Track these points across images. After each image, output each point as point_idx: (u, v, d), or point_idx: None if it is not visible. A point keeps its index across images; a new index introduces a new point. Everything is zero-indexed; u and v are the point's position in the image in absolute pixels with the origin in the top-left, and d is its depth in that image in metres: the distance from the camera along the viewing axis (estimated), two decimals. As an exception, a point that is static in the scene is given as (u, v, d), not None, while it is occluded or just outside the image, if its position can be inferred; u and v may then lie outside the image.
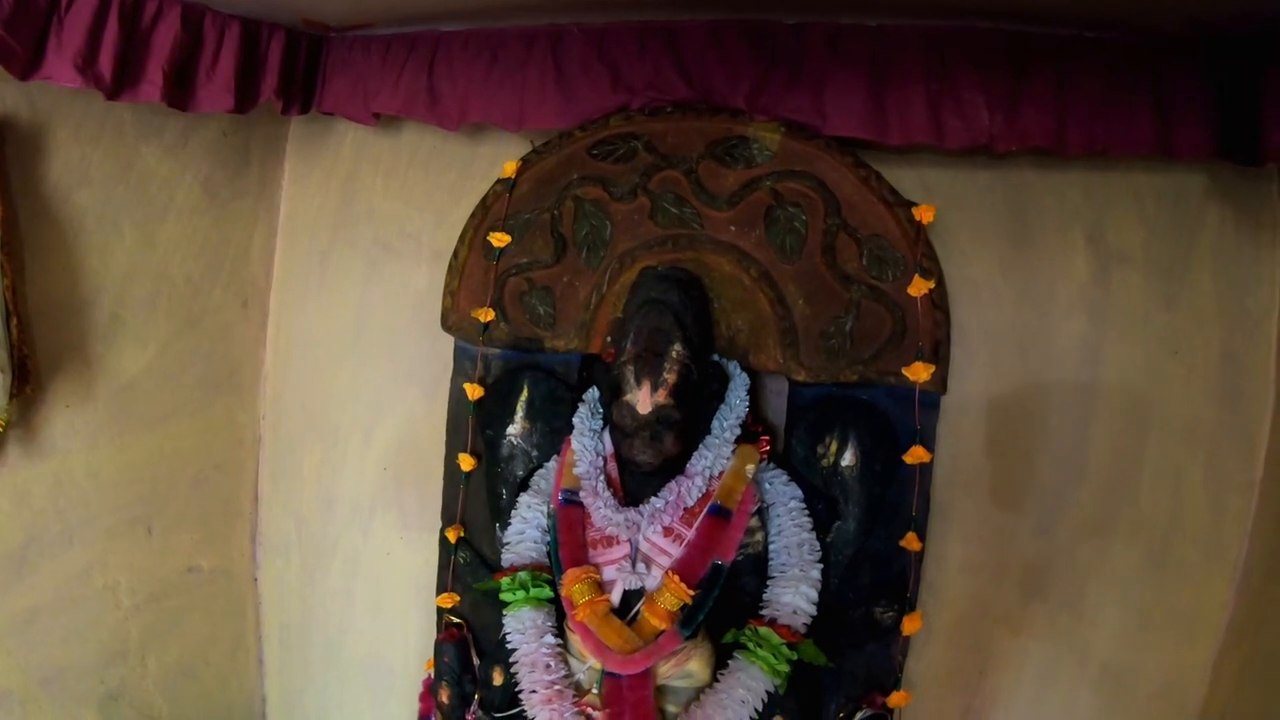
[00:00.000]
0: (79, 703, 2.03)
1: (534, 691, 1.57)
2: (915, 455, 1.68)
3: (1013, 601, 1.94)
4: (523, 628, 1.61)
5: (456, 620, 1.86)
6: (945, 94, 1.63)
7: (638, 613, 1.54)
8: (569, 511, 1.61)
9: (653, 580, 1.55)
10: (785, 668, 1.53)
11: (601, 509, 1.56)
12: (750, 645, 1.53)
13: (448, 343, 2.04)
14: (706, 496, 1.56)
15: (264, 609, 2.47)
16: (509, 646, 1.63)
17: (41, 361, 1.86)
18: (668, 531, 1.55)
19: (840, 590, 1.67)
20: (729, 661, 1.56)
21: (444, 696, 1.84)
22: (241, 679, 2.51)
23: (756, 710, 1.53)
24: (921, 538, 1.70)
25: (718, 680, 1.55)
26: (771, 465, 1.67)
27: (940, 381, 1.69)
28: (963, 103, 1.64)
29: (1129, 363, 1.88)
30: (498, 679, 1.71)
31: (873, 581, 1.70)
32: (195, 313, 2.20)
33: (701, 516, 1.54)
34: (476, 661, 1.83)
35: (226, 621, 2.43)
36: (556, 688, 1.56)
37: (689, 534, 1.54)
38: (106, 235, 1.96)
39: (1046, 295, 1.89)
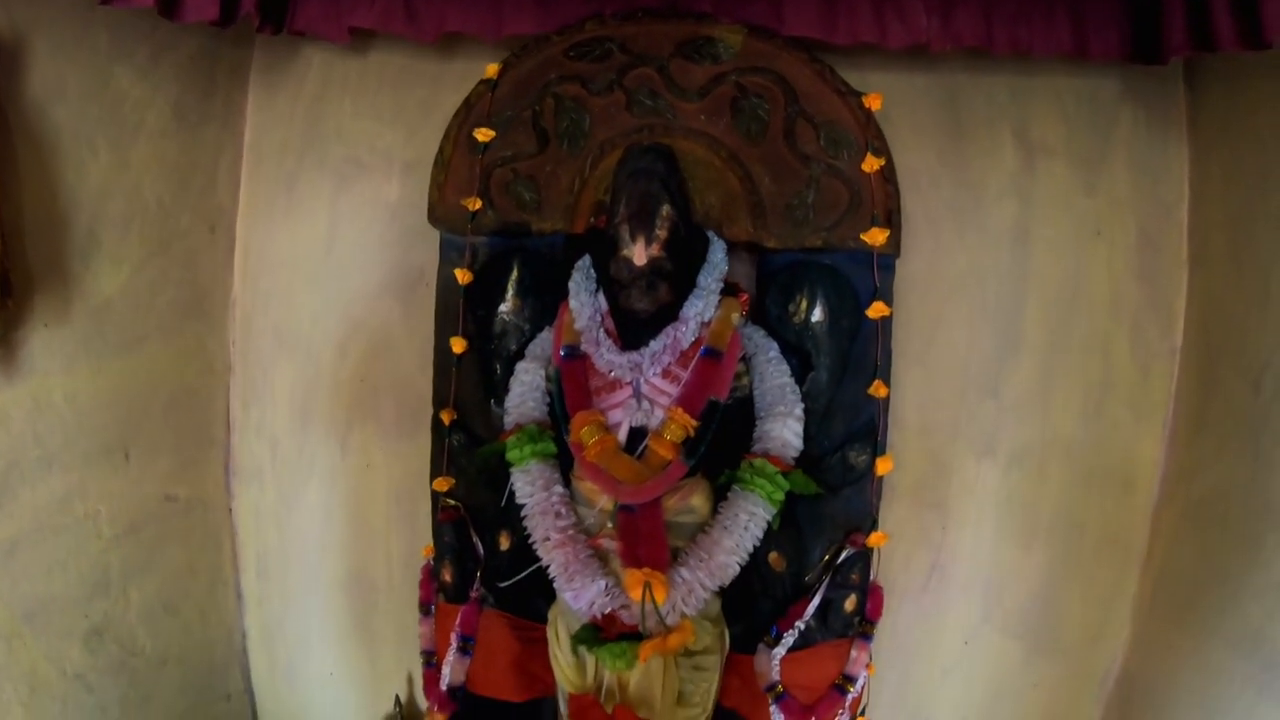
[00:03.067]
0: (64, 638, 1.98)
1: (547, 539, 1.64)
2: (877, 310, 1.84)
3: (967, 461, 2.11)
4: (531, 479, 1.69)
5: (453, 502, 1.90)
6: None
7: (644, 448, 1.64)
8: (571, 364, 1.70)
9: (655, 420, 1.65)
10: (781, 496, 1.65)
11: (605, 355, 1.67)
12: (746, 477, 1.65)
13: (423, 250, 2.11)
14: (698, 343, 1.68)
15: (240, 540, 2.44)
16: (519, 500, 1.70)
17: (19, 278, 1.84)
18: (666, 374, 1.66)
19: (817, 437, 1.80)
20: (728, 494, 1.67)
21: (447, 576, 1.89)
22: (221, 613, 2.47)
23: (758, 536, 1.64)
24: (886, 385, 1.85)
25: (718, 514, 1.66)
26: (749, 323, 1.80)
27: (895, 245, 1.86)
28: (903, 7, 1.83)
29: (1056, 242, 2.09)
30: (504, 543, 1.78)
31: (846, 429, 1.84)
32: (166, 236, 2.20)
33: (696, 358, 1.66)
34: (476, 540, 1.88)
35: (204, 554, 2.40)
36: (569, 532, 1.64)
37: (685, 375, 1.65)
38: (82, 153, 1.96)
39: (979, 182, 2.10)
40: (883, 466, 1.85)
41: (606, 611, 1.61)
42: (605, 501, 1.65)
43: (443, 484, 1.92)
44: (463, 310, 1.90)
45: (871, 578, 1.87)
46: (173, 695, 2.33)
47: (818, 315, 1.81)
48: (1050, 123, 2.08)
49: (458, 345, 1.90)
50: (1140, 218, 2.07)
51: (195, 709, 2.42)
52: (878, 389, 1.84)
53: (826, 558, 1.83)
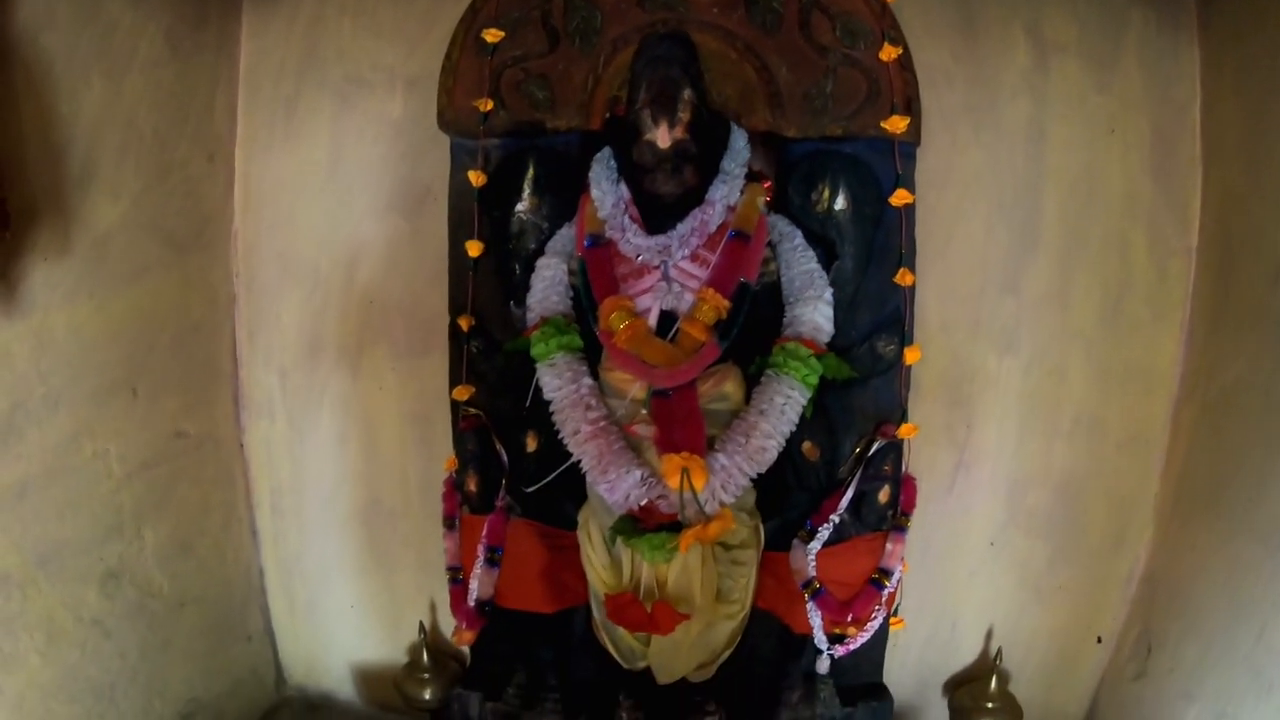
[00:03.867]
0: (80, 581, 1.93)
1: (577, 432, 1.61)
2: (900, 198, 1.82)
3: (988, 359, 2.10)
4: (558, 373, 1.65)
5: (474, 411, 1.86)
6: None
7: (676, 332, 1.61)
8: (596, 252, 1.66)
9: (685, 303, 1.62)
10: (815, 379, 1.63)
11: (631, 240, 1.63)
12: (780, 360, 1.62)
13: (431, 166, 2.07)
14: (724, 227, 1.65)
15: (253, 476, 2.39)
16: (546, 395, 1.66)
17: (17, 210, 1.78)
18: (694, 258, 1.63)
19: (843, 328, 1.78)
20: (760, 380, 1.64)
21: (471, 485, 1.85)
22: (237, 551, 2.42)
23: (794, 420, 1.61)
24: (912, 273, 1.82)
25: (753, 399, 1.63)
26: (772, 212, 1.77)
27: (915, 133, 1.83)
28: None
29: (1071, 140, 2.07)
30: (531, 444, 1.74)
31: (872, 319, 1.82)
32: (163, 167, 2.14)
33: (724, 241, 1.63)
34: (500, 448, 1.84)
35: (217, 491, 2.34)
36: (601, 424, 1.60)
37: (714, 258, 1.62)
38: (75, 83, 1.89)
39: (993, 80, 2.07)
40: (911, 356, 1.83)
41: (643, 503, 1.57)
42: (637, 390, 1.61)
43: (463, 392, 1.87)
44: (477, 213, 1.86)
45: (903, 470, 1.84)
46: (192, 638, 2.28)
47: (841, 203, 1.78)
48: (1062, 21, 2.05)
49: (474, 249, 1.86)
50: (1153, 116, 2.05)
51: (216, 651, 2.37)
52: (903, 277, 1.82)
53: (858, 450, 1.81)
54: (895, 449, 1.82)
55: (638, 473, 1.57)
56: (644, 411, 1.61)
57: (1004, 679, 2.18)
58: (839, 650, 1.85)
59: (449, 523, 1.93)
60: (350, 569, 2.38)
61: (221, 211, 2.32)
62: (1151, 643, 2.20)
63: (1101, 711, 2.36)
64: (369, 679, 2.50)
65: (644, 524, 1.57)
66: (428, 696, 2.21)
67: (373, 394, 2.25)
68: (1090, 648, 2.32)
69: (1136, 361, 2.12)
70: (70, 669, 1.91)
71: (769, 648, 1.92)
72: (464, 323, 1.88)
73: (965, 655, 2.29)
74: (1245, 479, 1.86)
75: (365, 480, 2.31)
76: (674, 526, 1.55)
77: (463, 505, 1.89)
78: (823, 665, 1.88)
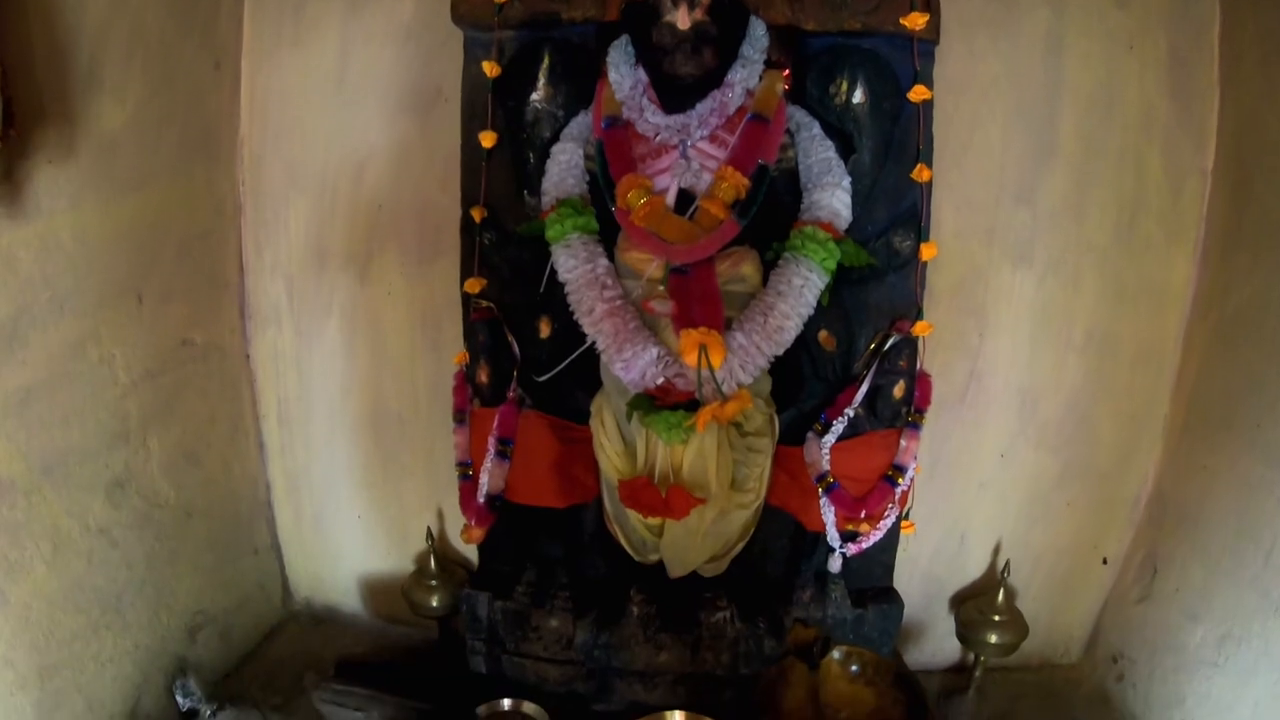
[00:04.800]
0: (85, 490, 1.91)
1: (592, 311, 1.59)
2: (918, 93, 1.79)
3: (1003, 269, 2.09)
4: (573, 253, 1.63)
5: (486, 303, 1.85)
6: None
7: (695, 209, 1.59)
8: (614, 133, 1.64)
9: (704, 183, 1.61)
10: (833, 264, 1.61)
11: (649, 118, 1.61)
12: (798, 243, 1.60)
13: (441, 68, 2.04)
14: (743, 111, 1.63)
15: (259, 387, 2.37)
16: (561, 276, 1.64)
17: (22, 111, 1.75)
18: (713, 139, 1.62)
19: (860, 222, 1.76)
20: (778, 263, 1.63)
21: (483, 376, 1.83)
22: (244, 464, 2.40)
23: (812, 304, 1.60)
24: (929, 169, 1.81)
25: (771, 281, 1.61)
26: (789, 103, 1.75)
27: (934, 30, 1.81)
28: None
29: (1089, 54, 2.04)
30: (544, 330, 1.72)
31: (889, 214, 1.81)
32: (169, 72, 2.10)
33: (743, 124, 1.61)
34: (511, 340, 1.82)
35: (223, 402, 2.32)
36: (617, 303, 1.59)
37: (733, 140, 1.60)
38: None
39: (1010, -11, 2.04)
40: (927, 252, 1.82)
41: (659, 382, 1.56)
42: (654, 270, 1.60)
43: (474, 285, 1.85)
44: (491, 104, 1.83)
45: (918, 367, 1.83)
46: (200, 550, 2.27)
47: (859, 97, 1.76)
48: (1082, -67, 2.03)
49: (487, 139, 1.84)
50: (1171, 35, 2.03)
51: (223, 564, 2.36)
52: (920, 173, 1.80)
53: (873, 345, 1.80)
54: (910, 345, 1.81)
55: (654, 350, 1.55)
56: (661, 289, 1.59)
57: (1010, 594, 2.17)
58: (851, 548, 1.85)
59: (459, 417, 1.91)
60: (358, 479, 2.36)
61: (228, 119, 2.29)
62: (1157, 565, 2.20)
63: (1105, 633, 2.37)
64: (376, 591, 2.49)
65: (661, 403, 1.55)
66: (435, 604, 2.20)
67: (381, 300, 2.23)
68: (1095, 569, 2.33)
69: (1149, 279, 2.11)
70: (77, 579, 1.89)
71: (780, 547, 1.92)
72: (476, 214, 1.85)
73: (972, 570, 2.29)
74: (1256, 400, 1.85)
75: (373, 387, 2.29)
76: (691, 406, 1.54)
77: (473, 398, 1.88)
78: (834, 564, 1.88)
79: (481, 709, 1.94)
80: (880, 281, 1.80)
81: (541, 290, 1.73)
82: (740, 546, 1.79)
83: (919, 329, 1.82)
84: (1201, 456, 2.07)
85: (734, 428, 1.64)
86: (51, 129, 1.79)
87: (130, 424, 2.04)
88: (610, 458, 1.69)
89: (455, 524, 2.33)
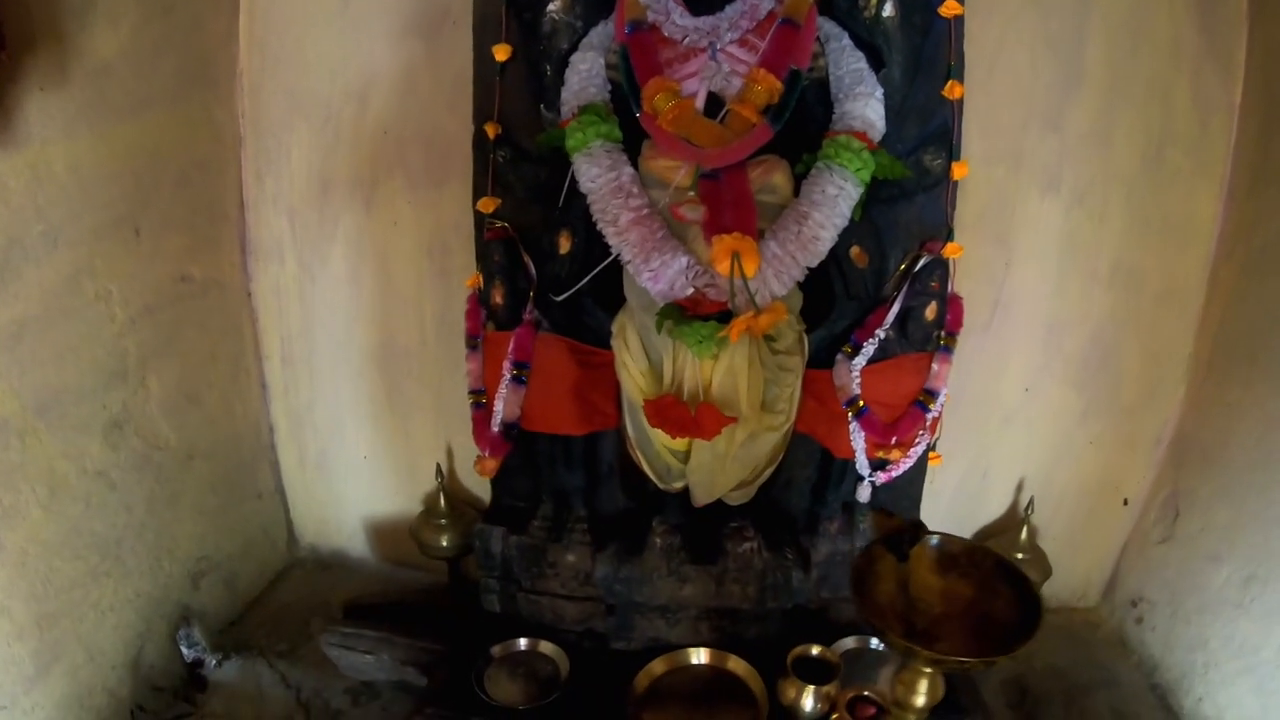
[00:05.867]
0: (81, 431, 1.83)
1: (616, 220, 1.52)
2: (950, 8, 1.72)
3: (1030, 196, 2.03)
4: (595, 160, 1.55)
5: (500, 223, 1.77)
6: None
7: (726, 113, 1.52)
8: (639, 37, 1.56)
9: (734, 88, 1.53)
10: (868, 174, 1.55)
11: (678, 20, 1.54)
12: (832, 152, 1.54)
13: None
14: (772, 16, 1.56)
15: (261, 325, 2.30)
16: (584, 186, 1.57)
17: (12, 35, 1.65)
18: (743, 43, 1.54)
19: (890, 139, 1.68)
20: (811, 173, 1.57)
21: (498, 298, 1.76)
22: (246, 404, 2.33)
23: (846, 214, 1.54)
24: (961, 85, 1.74)
25: (803, 191, 1.55)
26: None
27: (965, -56, 1.74)
28: None
29: (1117, -22, 1.99)
30: (564, 245, 1.65)
31: (919, 131, 1.74)
32: (166, -2, 2.02)
33: (774, 27, 1.54)
34: (527, 260, 1.75)
35: (224, 340, 2.25)
36: (643, 211, 1.52)
37: (763, 44, 1.53)
38: None
39: (1036, -89, 1.98)
40: (959, 171, 1.76)
41: (689, 293, 1.50)
42: (682, 177, 1.53)
43: (488, 204, 1.78)
44: (504, 16, 1.75)
45: (949, 289, 1.78)
46: (201, 493, 2.20)
47: (889, 10, 1.68)
48: None
49: (501, 53, 1.75)
50: (1200, -33, 1.97)
51: (226, 509, 2.29)
52: (952, 90, 1.74)
53: (903, 266, 1.74)
54: (942, 266, 1.75)
55: (684, 259, 1.49)
56: (692, 194, 1.52)
57: (1034, 533, 2.14)
58: (881, 477, 1.79)
59: (471, 342, 1.84)
60: (363, 417, 2.29)
61: (226, 46, 2.19)
62: (1180, 506, 2.17)
63: (1124, 576, 2.34)
64: (383, 533, 2.43)
65: (691, 314, 1.49)
66: (445, 544, 2.14)
67: (387, 229, 2.15)
68: (1116, 510, 2.30)
69: (1176, 213, 2.06)
70: (74, 523, 1.82)
71: (804, 477, 1.86)
72: (490, 130, 1.77)
73: (994, 508, 2.25)
74: (1282, 339, 1.81)
75: (379, 320, 2.22)
76: (722, 318, 1.47)
77: (487, 322, 1.80)
78: (863, 493, 1.82)
79: (496, 649, 1.88)
80: (910, 201, 1.74)
81: (560, 206, 1.65)
82: (769, 472, 1.73)
83: (950, 250, 1.76)
84: (1226, 395, 2.04)
85: (765, 344, 1.57)
86: (43, 54, 1.71)
87: (128, 362, 1.96)
88: (635, 378, 1.62)
89: (465, 462, 2.26)
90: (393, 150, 2.11)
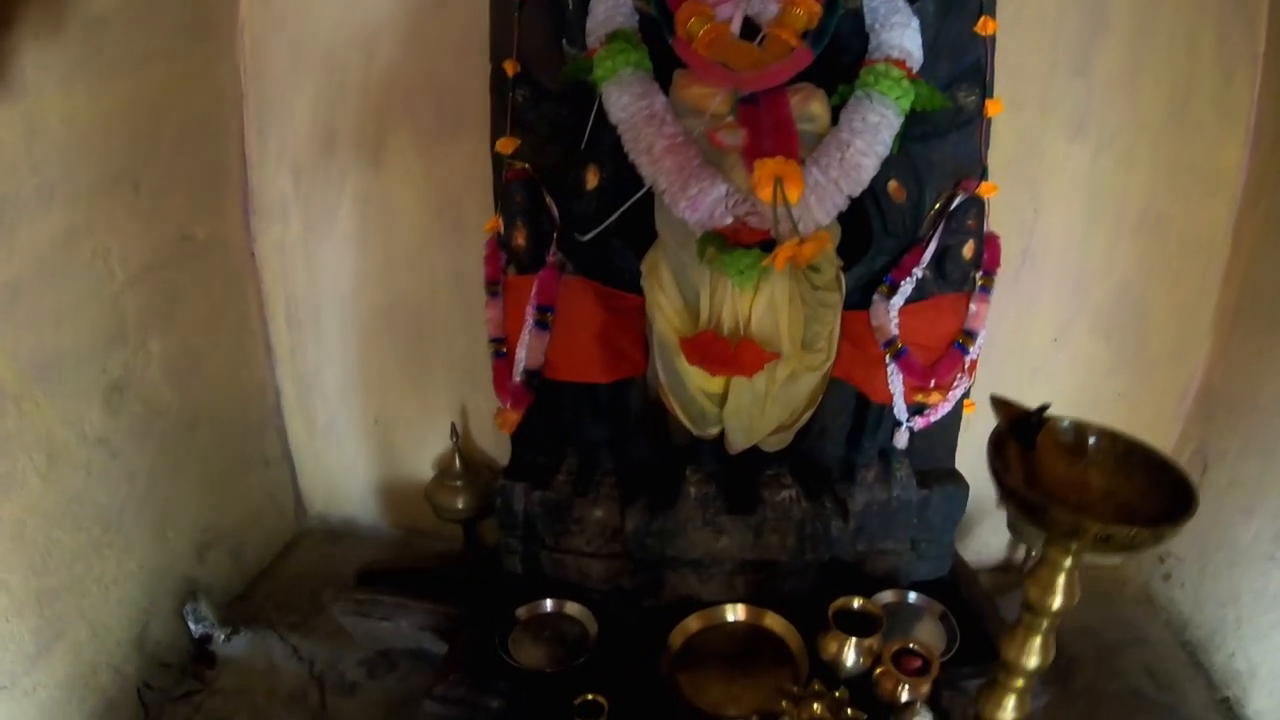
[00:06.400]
0: (80, 396, 1.75)
1: (650, 149, 1.45)
2: (981, -56, 1.68)
3: (1057, 142, 1.99)
4: (625, 88, 1.48)
5: (521, 164, 1.71)
6: None
7: (763, 37, 1.46)
8: None
9: (769, 14, 1.48)
10: (908, 103, 1.50)
11: None
12: (871, 80, 1.49)
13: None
14: None
15: (266, 287, 2.22)
16: (614, 117, 1.50)
17: None
18: None
19: (923, 75, 1.63)
20: (849, 102, 1.51)
21: (520, 239, 1.69)
22: (251, 368, 2.25)
23: (887, 143, 1.49)
24: (994, 20, 1.70)
25: (843, 119, 1.50)
26: None
27: (996, -123, 1.70)
28: None
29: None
30: (591, 180, 1.59)
31: (952, 68, 1.69)
32: (164, -52, 1.94)
33: None
34: (550, 201, 1.69)
35: (227, 302, 2.17)
36: (679, 138, 1.46)
37: (800, -32, 1.48)
38: None
39: None
40: (992, 108, 1.71)
41: (729, 222, 1.44)
42: (718, 104, 1.47)
43: (507, 144, 1.71)
44: (524, -52, 1.69)
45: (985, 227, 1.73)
46: (206, 461, 2.12)
47: (922, -60, 1.64)
48: None
49: (521, -16, 1.69)
50: (1223, -86, 1.95)
51: (231, 477, 2.21)
52: (984, 26, 1.69)
53: (939, 205, 1.69)
54: (978, 204, 1.70)
55: (723, 186, 1.43)
56: (730, 119, 1.46)
57: (1065, 486, 2.09)
58: (919, 422, 1.75)
59: (491, 289, 1.77)
60: (374, 379, 2.22)
61: (228, 3, 2.12)
62: (1208, 459, 2.14)
63: (1154, 530, 2.30)
64: (395, 499, 2.35)
65: (733, 244, 1.43)
66: (461, 506, 2.07)
67: (396, 185, 2.08)
68: (1145, 465, 2.26)
69: (1201, 163, 2.03)
70: (75, 493, 1.74)
71: (838, 425, 1.81)
72: (509, 68, 1.71)
73: (1024, 463, 2.20)
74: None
75: (389, 280, 2.15)
76: (764, 249, 1.41)
77: (508, 266, 1.73)
78: (901, 439, 1.77)
79: (521, 611, 1.81)
80: (943, 140, 1.69)
81: (584, 141, 1.59)
82: (807, 416, 1.68)
83: (984, 189, 1.71)
84: (1254, 346, 2.02)
85: (805, 279, 1.52)
86: (36, 4, 1.63)
87: (128, 324, 1.88)
88: (669, 317, 1.56)
89: (479, 423, 2.20)
90: (400, 102, 2.04)
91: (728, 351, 1.47)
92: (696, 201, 1.42)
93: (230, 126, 2.15)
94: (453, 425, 2.07)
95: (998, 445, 1.23)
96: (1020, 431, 1.24)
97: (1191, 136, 2.01)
